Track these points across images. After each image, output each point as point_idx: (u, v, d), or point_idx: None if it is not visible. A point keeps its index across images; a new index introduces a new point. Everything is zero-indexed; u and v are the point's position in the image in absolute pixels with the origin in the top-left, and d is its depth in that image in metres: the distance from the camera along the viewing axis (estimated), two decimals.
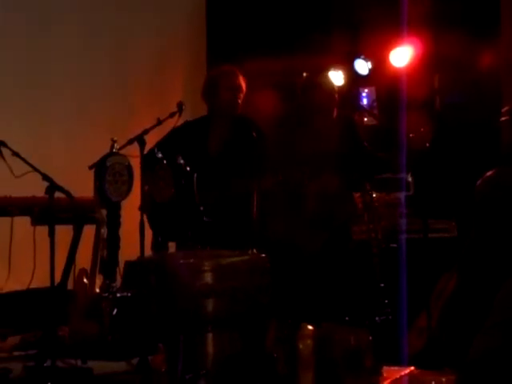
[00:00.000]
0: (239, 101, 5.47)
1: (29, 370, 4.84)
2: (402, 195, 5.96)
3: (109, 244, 4.99)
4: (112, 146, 5.03)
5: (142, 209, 4.99)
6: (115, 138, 5.08)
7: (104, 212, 5.04)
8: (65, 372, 4.76)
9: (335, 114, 5.48)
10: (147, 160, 5.04)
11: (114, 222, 4.99)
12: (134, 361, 4.88)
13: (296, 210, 5.29)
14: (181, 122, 5.40)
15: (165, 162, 4.90)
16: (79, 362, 4.94)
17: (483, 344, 3.27)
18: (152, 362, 4.77)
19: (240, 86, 5.47)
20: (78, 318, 5.21)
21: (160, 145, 5.32)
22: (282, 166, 5.29)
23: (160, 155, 4.90)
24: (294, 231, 5.21)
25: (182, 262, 3.90)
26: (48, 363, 4.69)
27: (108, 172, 4.99)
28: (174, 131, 5.37)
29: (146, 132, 5.20)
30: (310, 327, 3.88)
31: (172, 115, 5.31)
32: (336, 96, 5.52)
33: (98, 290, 5.20)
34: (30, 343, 5.45)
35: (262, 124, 6.84)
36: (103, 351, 5.04)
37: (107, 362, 4.98)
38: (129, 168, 5.11)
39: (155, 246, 5.04)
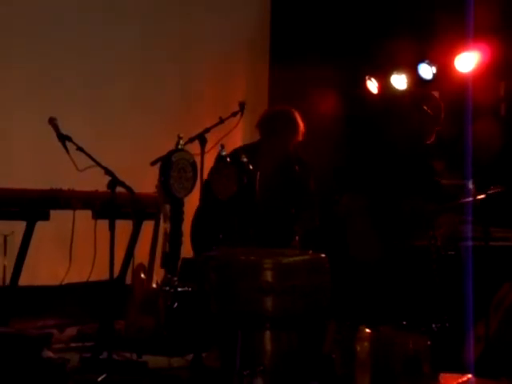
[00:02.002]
0: (292, 145, 5.48)
1: (85, 361, 4.89)
2: (463, 202, 5.87)
3: (171, 239, 5.03)
4: (177, 143, 5.09)
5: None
6: (181, 135, 5.13)
7: (168, 207, 5.09)
8: (120, 364, 4.79)
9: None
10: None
11: (177, 218, 5.04)
12: (189, 357, 4.90)
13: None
14: (243, 121, 5.43)
15: (228, 159, 4.92)
16: (134, 356, 4.97)
17: None
18: (206, 359, 4.79)
19: (296, 135, 5.45)
20: (135, 312, 5.26)
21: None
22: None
23: (224, 153, 4.93)
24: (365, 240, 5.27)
25: (242, 259, 3.90)
26: (104, 355, 4.74)
27: (173, 168, 5.04)
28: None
29: (207, 130, 5.25)
30: (367, 330, 3.86)
31: (234, 114, 5.36)
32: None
33: (154, 286, 5.25)
34: (86, 335, 5.51)
35: (322, 128, 6.87)
36: (158, 346, 5.07)
37: (162, 356, 5.00)
38: (193, 165, 5.16)
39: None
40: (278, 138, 5.43)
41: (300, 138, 5.48)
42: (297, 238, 5.22)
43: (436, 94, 6.57)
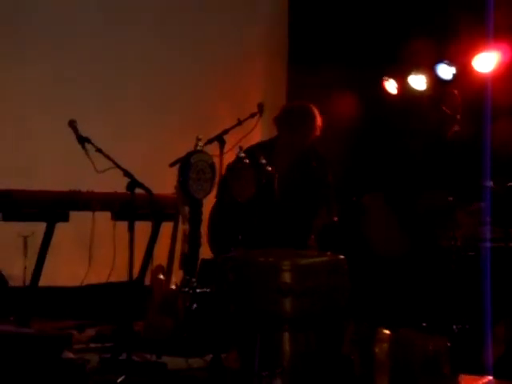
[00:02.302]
0: (309, 140, 5.48)
1: (104, 361, 4.91)
2: (483, 203, 5.85)
3: (190, 240, 5.04)
4: (196, 144, 5.10)
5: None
6: (200, 136, 5.14)
7: (187, 209, 5.10)
8: (140, 366, 4.80)
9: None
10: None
11: (195, 219, 5.04)
12: (208, 358, 4.90)
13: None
14: (261, 122, 5.43)
15: (247, 161, 4.92)
16: (154, 357, 4.98)
17: None
18: (225, 360, 4.78)
19: (314, 129, 5.46)
20: (154, 313, 5.27)
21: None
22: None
23: (242, 154, 4.93)
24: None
25: (261, 260, 3.90)
26: (123, 356, 4.75)
27: (192, 169, 5.05)
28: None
29: (226, 132, 5.26)
30: (386, 331, 3.85)
31: (253, 116, 5.36)
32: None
33: (173, 287, 5.26)
34: (106, 336, 5.53)
35: (341, 129, 6.86)
36: (177, 347, 5.08)
37: (181, 357, 5.01)
38: (212, 166, 5.17)
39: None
40: (295, 132, 5.43)
41: (318, 133, 5.48)
42: (313, 236, 5.23)
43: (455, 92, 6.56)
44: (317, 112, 5.47)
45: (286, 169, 5.33)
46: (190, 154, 5.09)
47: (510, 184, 4.94)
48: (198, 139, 5.12)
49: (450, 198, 5.44)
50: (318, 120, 5.45)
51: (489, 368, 4.59)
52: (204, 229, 5.14)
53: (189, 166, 5.05)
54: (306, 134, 5.43)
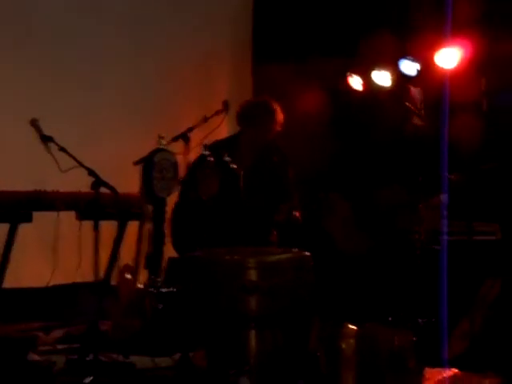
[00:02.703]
0: (271, 135, 5.51)
1: (71, 363, 4.87)
2: (445, 197, 5.90)
3: (154, 240, 5.02)
4: (159, 143, 5.07)
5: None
6: (162, 135, 5.12)
7: (150, 208, 5.08)
8: (107, 366, 4.77)
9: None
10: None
11: (159, 218, 5.02)
12: (176, 357, 4.89)
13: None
14: (226, 120, 5.43)
15: (211, 159, 4.92)
16: (121, 357, 4.95)
17: None
18: (193, 358, 4.78)
19: (275, 125, 5.49)
20: (121, 313, 5.25)
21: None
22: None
23: (207, 152, 4.93)
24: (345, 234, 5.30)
25: (226, 258, 3.90)
26: (91, 357, 4.72)
27: (155, 168, 5.03)
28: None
29: (191, 129, 5.25)
30: (352, 327, 3.86)
31: (218, 113, 5.36)
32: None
33: (141, 286, 5.24)
34: (73, 337, 5.50)
35: (304, 125, 6.89)
36: (145, 346, 5.06)
37: (149, 357, 4.99)
38: (175, 165, 5.15)
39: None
40: (256, 128, 5.48)
41: (279, 128, 5.51)
42: (274, 232, 5.27)
43: (420, 89, 6.62)
44: (278, 107, 5.51)
45: (248, 164, 5.36)
46: (153, 153, 5.07)
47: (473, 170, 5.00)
48: (161, 137, 5.10)
49: (409, 193, 5.49)
50: (279, 115, 5.49)
51: (454, 361, 4.64)
52: (167, 227, 5.13)
53: (152, 165, 5.03)
54: (267, 130, 5.48)
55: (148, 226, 5.09)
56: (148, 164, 5.02)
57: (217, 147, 5.20)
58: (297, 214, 5.38)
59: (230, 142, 5.50)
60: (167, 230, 5.17)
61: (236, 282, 3.75)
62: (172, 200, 5.24)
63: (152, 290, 4.78)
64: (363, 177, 6.59)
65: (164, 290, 4.69)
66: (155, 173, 5.01)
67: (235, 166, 5.00)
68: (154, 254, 5.00)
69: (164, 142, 5.08)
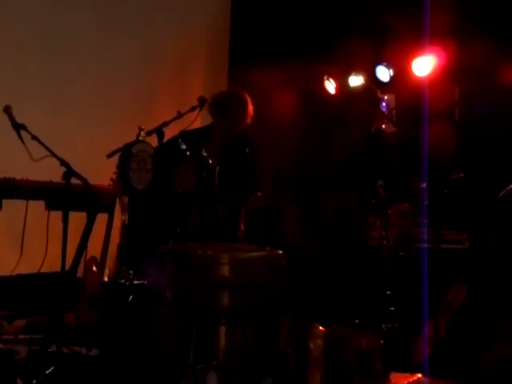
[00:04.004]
0: (241, 126, 5.55)
1: (33, 353, 4.83)
2: (412, 203, 5.95)
3: (129, 231, 4.98)
4: (138, 134, 5.04)
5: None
6: (142, 126, 5.10)
7: (126, 199, 5.04)
8: (69, 358, 4.74)
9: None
10: (168, 149, 5.09)
11: (135, 210, 4.98)
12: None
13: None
14: (201, 116, 5.43)
15: (188, 153, 4.91)
16: (84, 350, 4.91)
17: (500, 357, 3.26)
18: None
19: (246, 115, 5.53)
20: (85, 305, 5.21)
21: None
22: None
23: (184, 146, 4.92)
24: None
25: (199, 253, 3.89)
26: (53, 348, 4.68)
27: (133, 159, 4.99)
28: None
29: (165, 124, 5.23)
30: (320, 327, 3.88)
31: (193, 109, 5.35)
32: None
33: (106, 279, 5.21)
34: (35, 327, 5.44)
35: (280, 127, 6.92)
36: (108, 339, 5.02)
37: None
38: (153, 157, 5.12)
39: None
40: (228, 119, 5.51)
41: (249, 121, 5.54)
42: (242, 228, 5.29)
43: (392, 96, 6.67)
44: (249, 99, 5.54)
45: (219, 155, 5.38)
46: (131, 144, 5.03)
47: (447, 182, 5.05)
48: (141, 129, 5.07)
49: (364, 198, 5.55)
50: (250, 107, 5.53)
51: (418, 366, 4.68)
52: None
53: (130, 156, 4.99)
54: (238, 121, 5.52)
55: (122, 218, 5.06)
56: (126, 155, 4.99)
57: (191, 137, 5.21)
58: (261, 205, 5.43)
59: (202, 133, 5.52)
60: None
61: (208, 278, 3.74)
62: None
63: (123, 281, 4.74)
64: (320, 179, 6.60)
65: (136, 281, 4.65)
66: (133, 164, 4.98)
67: (211, 161, 5.00)
68: (128, 245, 4.97)
69: (143, 133, 5.06)
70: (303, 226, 5.91)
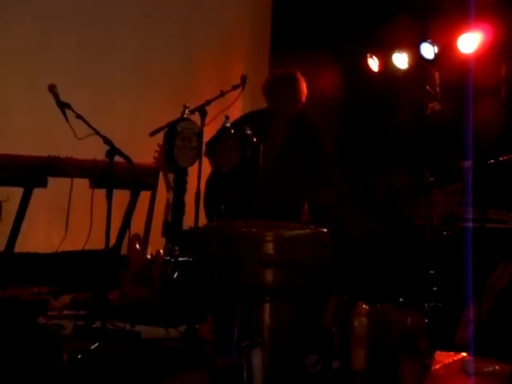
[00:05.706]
0: (297, 106, 5.50)
1: (78, 329, 4.89)
2: (460, 184, 5.89)
3: (174, 209, 5.00)
4: (183, 112, 5.05)
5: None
6: (187, 104, 5.10)
7: (171, 177, 5.06)
8: (113, 334, 4.78)
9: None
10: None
11: (180, 188, 5.00)
12: (182, 328, 4.90)
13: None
14: (243, 95, 5.42)
15: (232, 131, 4.90)
16: (128, 326, 4.96)
17: None
18: (199, 331, 4.80)
19: (300, 94, 5.50)
20: (129, 282, 5.26)
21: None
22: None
23: (228, 124, 4.91)
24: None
25: (243, 230, 3.89)
26: (97, 324, 4.73)
27: (178, 137, 5.00)
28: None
29: (208, 103, 5.23)
30: (365, 306, 3.86)
31: (235, 88, 5.35)
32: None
33: (149, 256, 5.25)
34: (80, 303, 5.51)
35: (323, 110, 6.88)
36: (152, 317, 5.07)
37: (155, 327, 5.00)
38: (198, 135, 5.13)
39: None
40: (285, 103, 5.47)
41: (304, 98, 5.51)
42: (306, 210, 5.25)
43: (437, 73, 6.59)
44: (301, 77, 5.52)
45: (281, 140, 5.35)
46: (176, 122, 5.04)
47: (489, 162, 4.98)
48: (186, 107, 5.08)
49: (418, 178, 5.49)
50: (303, 85, 5.51)
51: (463, 346, 4.64)
52: (189, 198, 5.10)
53: (175, 134, 5.00)
54: (296, 103, 5.46)
55: (167, 195, 5.08)
56: (171, 132, 5.00)
57: (241, 121, 5.20)
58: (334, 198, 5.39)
59: (258, 117, 5.49)
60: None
61: (252, 255, 3.73)
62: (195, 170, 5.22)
63: (169, 258, 4.77)
64: (371, 160, 6.58)
65: (181, 258, 4.68)
66: (178, 141, 4.99)
67: (255, 140, 4.98)
68: (173, 223, 4.99)
69: (188, 111, 5.06)
70: (356, 206, 5.87)
